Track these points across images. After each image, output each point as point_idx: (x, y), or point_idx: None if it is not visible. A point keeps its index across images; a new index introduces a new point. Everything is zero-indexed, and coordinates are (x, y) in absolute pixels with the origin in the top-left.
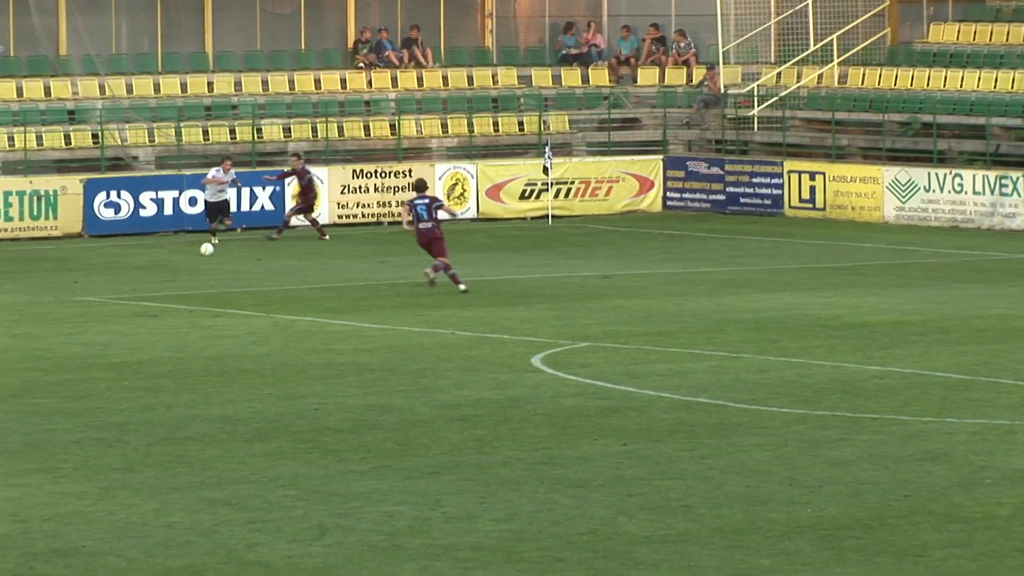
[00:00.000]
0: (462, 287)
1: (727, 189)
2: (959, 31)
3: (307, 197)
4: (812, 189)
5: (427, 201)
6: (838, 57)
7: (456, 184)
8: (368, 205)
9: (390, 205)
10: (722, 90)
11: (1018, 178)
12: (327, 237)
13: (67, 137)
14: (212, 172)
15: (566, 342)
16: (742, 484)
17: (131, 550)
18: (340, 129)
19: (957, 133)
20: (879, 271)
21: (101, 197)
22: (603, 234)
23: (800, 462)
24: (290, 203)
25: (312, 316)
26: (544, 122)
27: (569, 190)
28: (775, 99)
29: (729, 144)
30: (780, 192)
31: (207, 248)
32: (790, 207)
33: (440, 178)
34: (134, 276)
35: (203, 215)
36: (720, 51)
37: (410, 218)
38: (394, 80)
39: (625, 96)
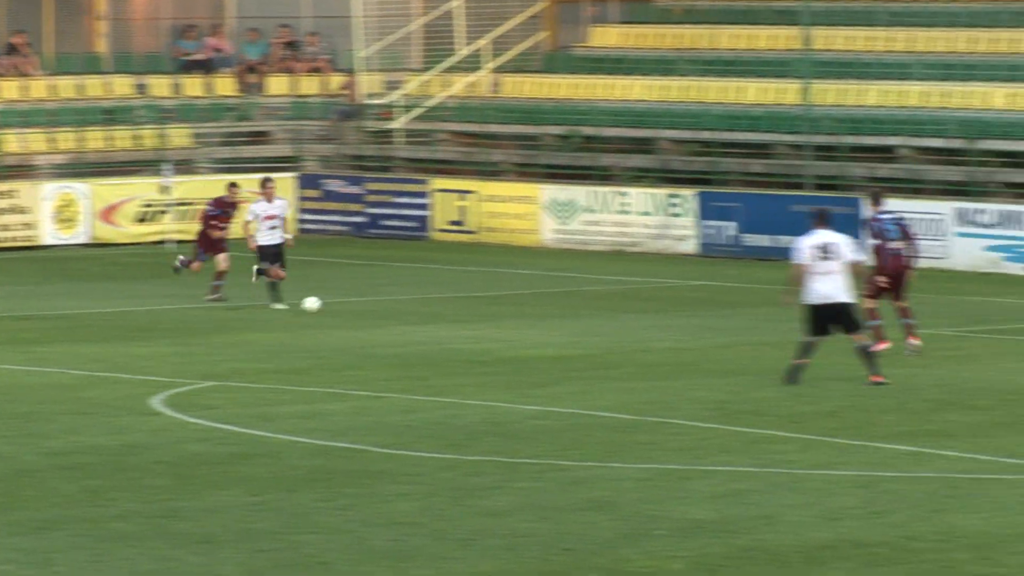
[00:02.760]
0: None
1: (367, 210)
2: (623, 34)
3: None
4: (462, 210)
5: None
6: (490, 63)
7: (67, 206)
8: None
9: None
10: (361, 100)
11: (690, 197)
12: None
13: None
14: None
15: (189, 381)
16: (386, 538)
17: None
18: None
19: (622, 147)
20: (536, 300)
21: None
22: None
23: (450, 513)
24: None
25: None
26: (163, 136)
27: (193, 212)
28: (420, 110)
29: (370, 160)
30: (426, 213)
31: (313, 303)
32: (437, 230)
33: (48, 199)
34: None
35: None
36: (359, 57)
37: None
38: None
39: (254, 107)
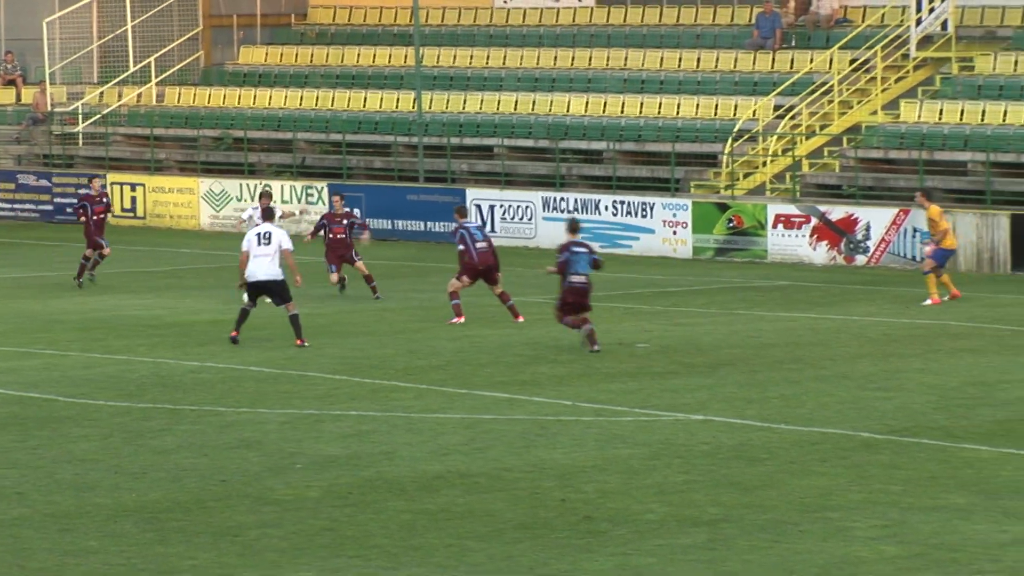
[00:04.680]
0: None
1: (55, 200)
2: (267, 53)
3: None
4: (133, 199)
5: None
6: (156, 77)
7: None
8: None
9: None
10: (49, 108)
11: (322, 187)
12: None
13: None
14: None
15: None
16: (71, 472)
17: None
18: None
19: (266, 147)
20: (195, 275)
21: None
22: None
23: (125, 451)
24: None
25: None
26: None
27: None
28: (98, 116)
29: (56, 158)
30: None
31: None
32: (114, 216)
33: None
34: None
35: None
36: (47, 72)
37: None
38: None
39: None
